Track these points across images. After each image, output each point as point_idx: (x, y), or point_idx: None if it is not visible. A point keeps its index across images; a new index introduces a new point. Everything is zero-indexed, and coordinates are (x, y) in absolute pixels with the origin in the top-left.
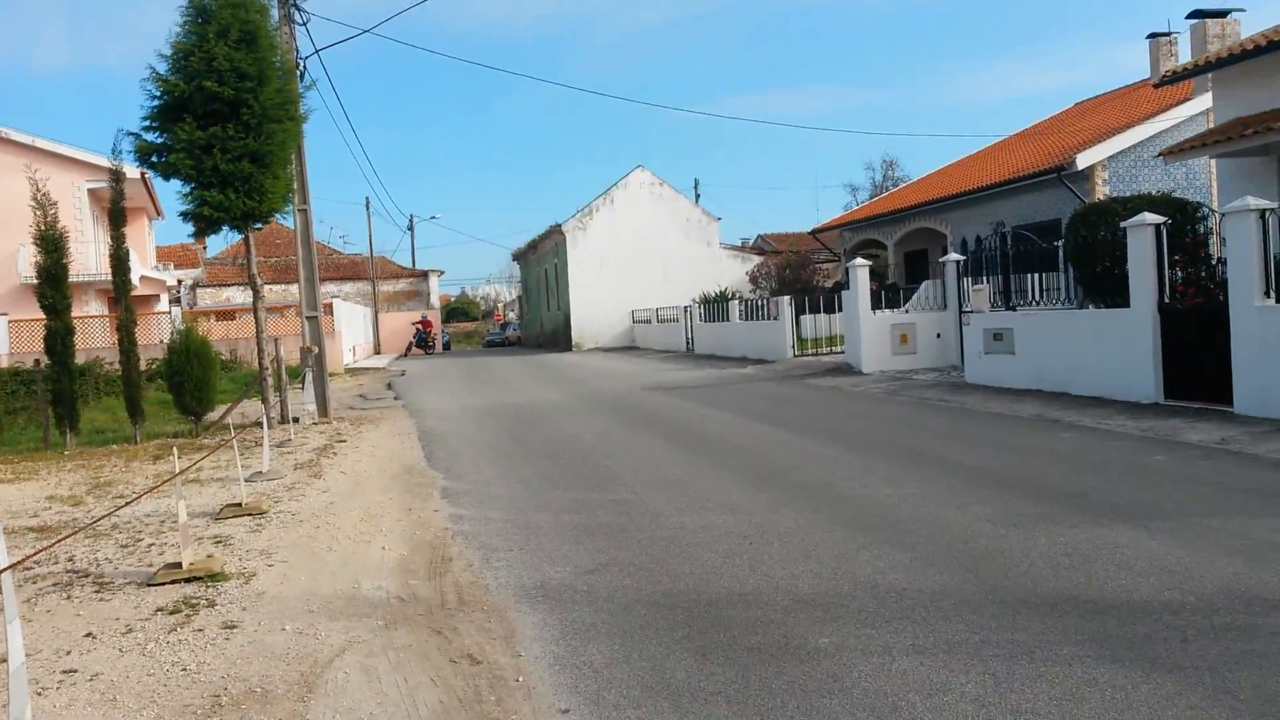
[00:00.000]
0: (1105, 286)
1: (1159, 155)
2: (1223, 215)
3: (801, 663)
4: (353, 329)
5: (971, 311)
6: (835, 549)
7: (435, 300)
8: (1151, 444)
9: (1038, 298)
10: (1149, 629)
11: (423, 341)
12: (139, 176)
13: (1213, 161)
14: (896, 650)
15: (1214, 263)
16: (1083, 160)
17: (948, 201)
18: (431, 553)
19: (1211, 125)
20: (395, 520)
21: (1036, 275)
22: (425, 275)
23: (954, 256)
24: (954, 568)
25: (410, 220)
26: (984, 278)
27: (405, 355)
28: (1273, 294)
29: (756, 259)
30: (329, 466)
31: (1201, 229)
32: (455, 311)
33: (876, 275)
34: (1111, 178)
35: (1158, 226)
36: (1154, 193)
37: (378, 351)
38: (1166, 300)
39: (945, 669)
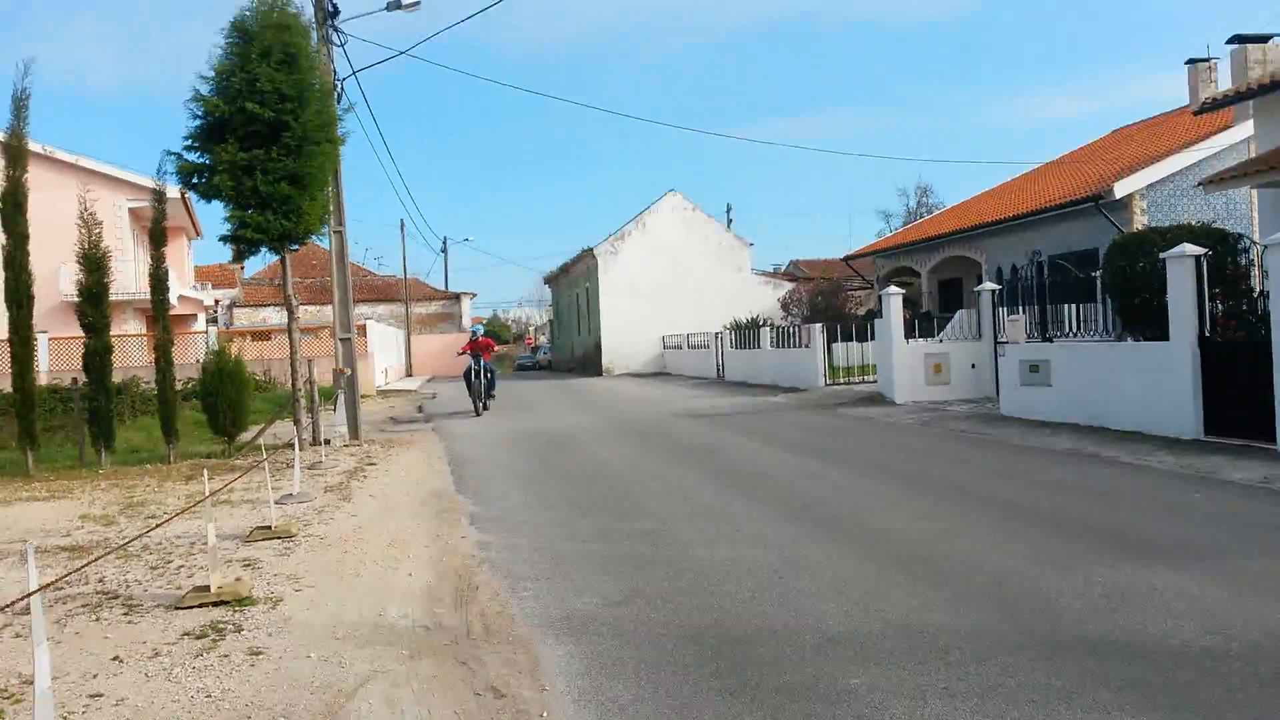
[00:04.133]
0: (1144, 318)
1: (1198, 185)
2: (1265, 247)
3: (832, 704)
4: (385, 351)
5: (1007, 342)
6: (866, 586)
7: (467, 322)
8: (1191, 481)
9: (1075, 329)
10: (1191, 676)
11: (479, 379)
12: (179, 196)
13: (1254, 191)
14: (930, 693)
15: (1255, 295)
16: (1120, 189)
17: (983, 229)
18: (458, 580)
19: (1253, 154)
20: (423, 546)
21: (1073, 306)
22: (458, 298)
23: (989, 285)
24: (988, 608)
25: (444, 242)
26: (1020, 308)
27: (477, 406)
28: None
29: (788, 285)
30: (358, 490)
31: (1243, 260)
32: (486, 334)
33: (910, 303)
34: (1150, 207)
35: (1198, 258)
36: (1193, 223)
37: (409, 374)
38: (1207, 333)
39: (980, 713)
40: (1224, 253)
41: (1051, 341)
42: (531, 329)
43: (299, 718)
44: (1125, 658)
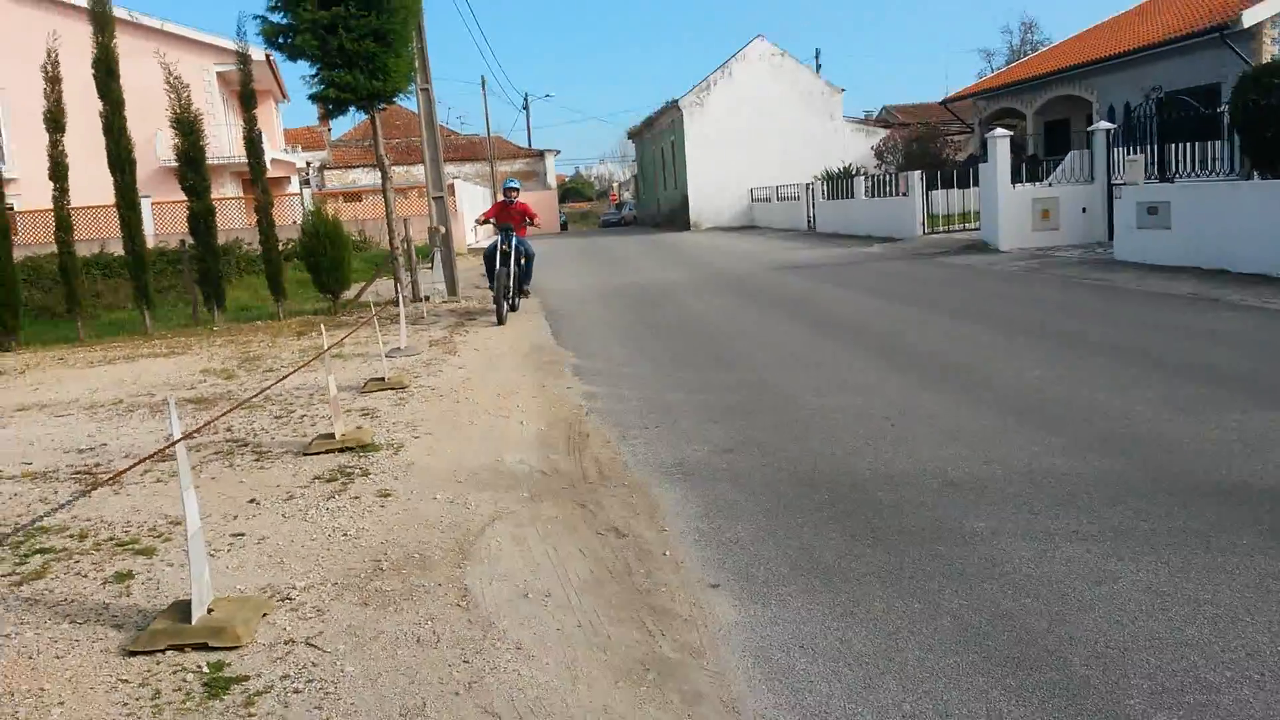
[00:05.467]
0: (1275, 154)
1: None
2: None
3: (957, 546)
4: (473, 209)
5: (1123, 184)
6: (984, 432)
7: (551, 180)
8: None
9: (1196, 169)
10: None
11: (506, 264)
12: (265, 59)
13: None
14: (1058, 536)
15: None
16: (1249, 18)
17: (1094, 66)
18: (568, 429)
19: None
20: (530, 396)
21: (1194, 145)
22: (541, 155)
23: (1103, 125)
24: (1114, 453)
25: (525, 99)
26: (1137, 147)
27: (500, 308)
28: None
29: (882, 132)
30: (462, 344)
31: None
32: (570, 192)
33: (1015, 147)
34: None
35: None
36: None
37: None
38: None
39: (1113, 557)
40: None
41: (1171, 182)
42: (615, 185)
43: (432, 554)
44: (1267, 503)
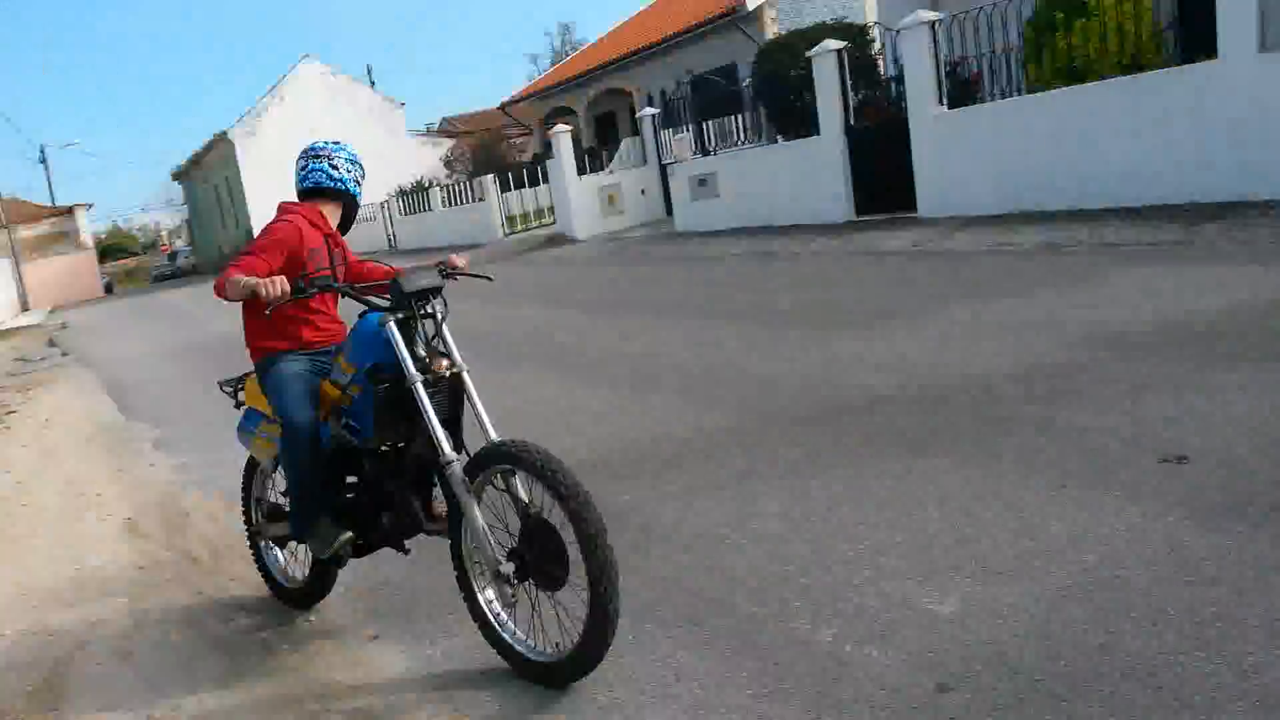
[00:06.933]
0: (794, 119)
1: None
2: (898, 31)
3: (609, 523)
4: None
5: (674, 162)
6: (596, 409)
7: (87, 239)
8: (858, 257)
9: (732, 139)
10: (906, 421)
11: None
12: None
13: None
14: (696, 490)
15: (885, 81)
16: (751, 1)
17: (631, 58)
18: (162, 510)
19: None
20: (107, 485)
21: (726, 119)
22: (70, 211)
23: (649, 110)
24: (718, 404)
25: (42, 151)
26: (681, 127)
27: None
28: (945, 101)
29: (448, 143)
30: (3, 444)
31: (872, 50)
32: (110, 249)
33: (574, 142)
34: (780, 16)
35: (839, 52)
36: (828, 21)
37: (26, 308)
38: (852, 123)
39: (743, 498)
40: (860, 43)
41: (714, 154)
42: (165, 234)
43: (14, 705)
44: (846, 419)
